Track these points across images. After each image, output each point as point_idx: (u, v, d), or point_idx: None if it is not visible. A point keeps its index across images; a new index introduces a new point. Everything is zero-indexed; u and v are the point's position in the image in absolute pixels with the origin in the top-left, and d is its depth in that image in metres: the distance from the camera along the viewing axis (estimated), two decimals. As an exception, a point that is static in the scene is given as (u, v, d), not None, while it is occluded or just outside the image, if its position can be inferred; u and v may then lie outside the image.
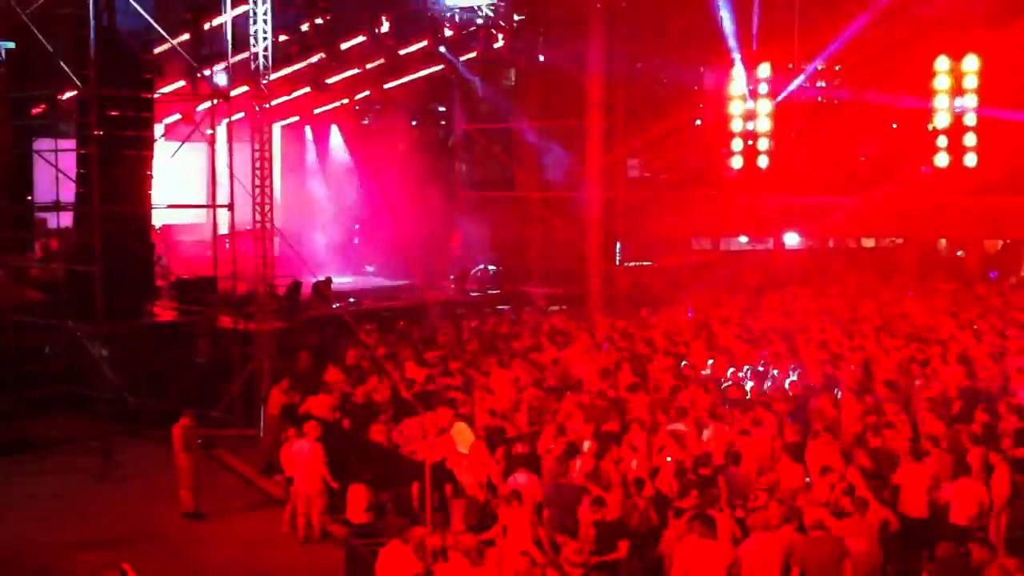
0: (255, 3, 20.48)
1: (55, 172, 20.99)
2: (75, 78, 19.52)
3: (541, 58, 30.80)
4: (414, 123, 34.40)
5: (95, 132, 19.40)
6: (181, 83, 23.94)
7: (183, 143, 22.11)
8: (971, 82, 29.44)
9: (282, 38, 23.52)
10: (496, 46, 29.39)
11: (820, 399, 15.77)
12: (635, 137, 32.40)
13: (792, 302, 27.25)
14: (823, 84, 34.92)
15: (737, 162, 32.07)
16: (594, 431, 14.21)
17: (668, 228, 33.41)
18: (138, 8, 19.97)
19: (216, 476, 17.20)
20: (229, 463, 18.20)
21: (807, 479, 12.44)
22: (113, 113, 19.79)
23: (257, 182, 20.66)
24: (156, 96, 21.24)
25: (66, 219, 22.93)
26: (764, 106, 31.49)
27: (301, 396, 17.50)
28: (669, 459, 12.92)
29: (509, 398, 16.76)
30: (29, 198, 21.72)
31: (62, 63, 19.59)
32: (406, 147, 32.86)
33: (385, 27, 26.45)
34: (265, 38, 20.58)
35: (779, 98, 31.74)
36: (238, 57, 22.16)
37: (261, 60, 20.63)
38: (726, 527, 10.82)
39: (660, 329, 22.94)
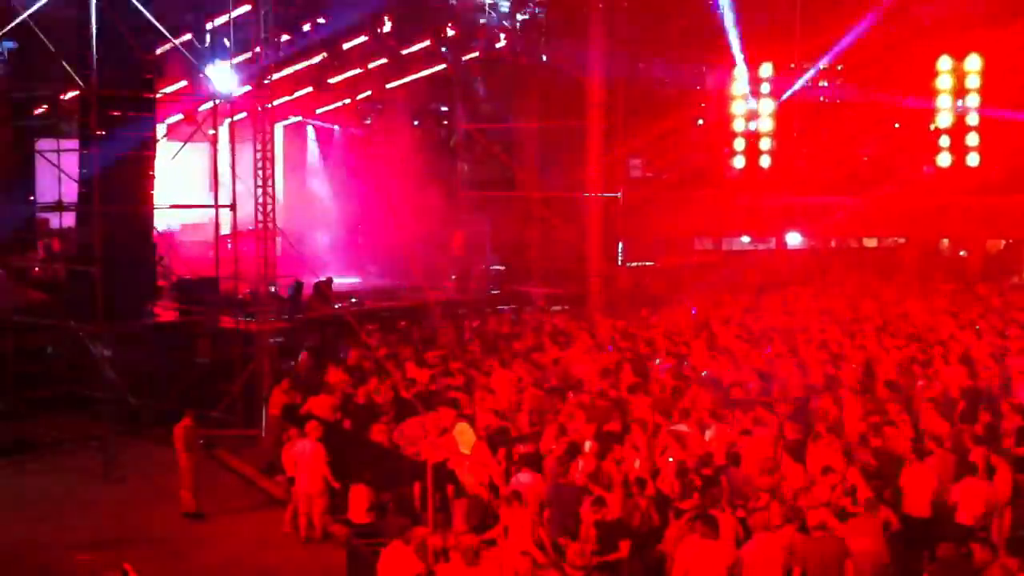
0: (257, 3, 20.50)
1: (57, 172, 21.00)
2: (77, 78, 19.51)
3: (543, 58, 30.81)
4: (416, 123, 34.39)
5: (97, 132, 19.41)
6: (183, 83, 23.95)
7: (185, 143, 22.12)
8: (973, 82, 29.46)
9: (284, 38, 23.53)
10: (498, 46, 29.41)
11: (822, 399, 15.76)
12: (636, 137, 32.41)
13: (793, 302, 27.25)
14: (825, 84, 34.91)
15: (739, 162, 32.10)
16: (596, 431, 14.20)
17: (670, 228, 33.42)
18: (140, 8, 19.97)
19: (217, 476, 17.20)
20: (230, 463, 18.20)
21: (809, 479, 12.41)
22: (115, 113, 19.78)
23: (259, 182, 20.67)
24: (158, 96, 21.24)
25: (68, 219, 22.95)
26: (766, 106, 31.51)
27: (302, 396, 17.51)
28: (671, 460, 12.92)
29: (510, 398, 16.75)
30: (31, 198, 21.72)
31: (64, 63, 19.59)
32: (407, 147, 32.83)
33: (387, 27, 26.44)
34: (267, 38, 20.60)
35: (781, 98, 31.74)
36: (240, 57, 22.21)
37: (263, 60, 20.65)
38: (728, 527, 10.81)
39: (661, 329, 22.94)
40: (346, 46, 26.63)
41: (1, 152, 21.43)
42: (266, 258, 20.68)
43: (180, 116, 25.80)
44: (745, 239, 38.03)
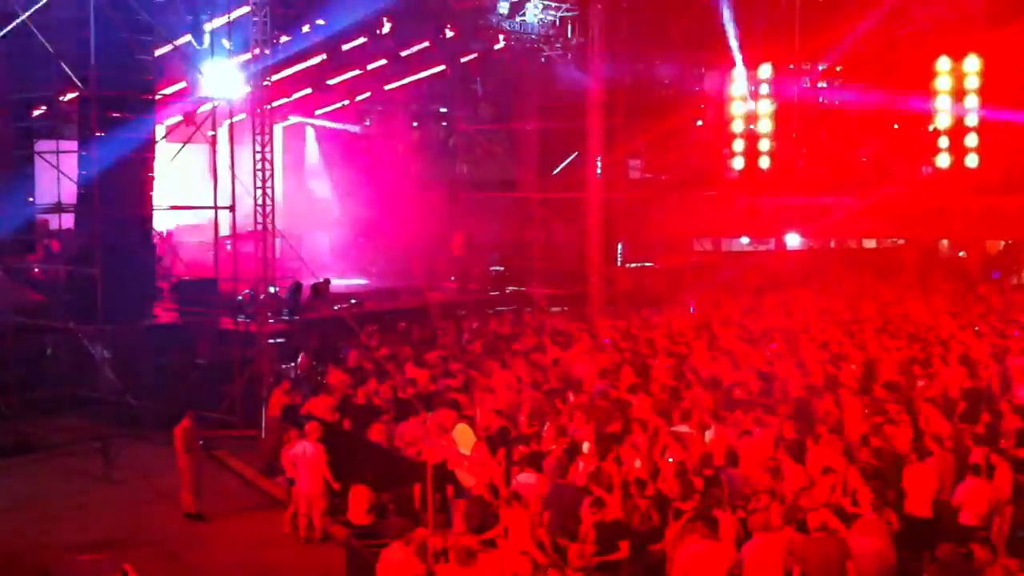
0: (256, 4, 20.51)
1: (56, 173, 21.00)
2: (76, 79, 19.53)
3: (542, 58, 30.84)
4: (415, 124, 34.41)
5: (96, 133, 19.42)
6: (182, 84, 23.95)
7: (184, 144, 22.12)
8: (972, 83, 29.46)
9: (283, 39, 23.54)
10: (497, 47, 29.43)
11: (822, 400, 15.76)
12: (636, 138, 32.43)
13: (793, 303, 27.26)
14: (824, 85, 34.94)
15: (738, 163, 32.12)
16: (596, 432, 14.21)
17: (669, 229, 33.44)
18: (139, 9, 19.98)
19: (217, 477, 17.18)
20: (230, 464, 18.18)
21: (809, 480, 12.41)
22: (114, 114, 19.79)
23: (258, 183, 20.68)
24: (157, 97, 21.25)
25: (68, 221, 22.94)
26: (765, 107, 31.52)
27: (302, 397, 17.52)
28: (671, 460, 12.92)
29: (509, 399, 16.75)
30: (30, 199, 21.70)
31: (63, 64, 19.61)
32: (407, 148, 32.88)
33: (386, 28, 26.45)
34: (266, 39, 20.60)
35: (781, 99, 31.76)
36: (239, 58, 22.22)
37: (262, 61, 20.66)
38: (729, 528, 10.81)
39: (661, 330, 22.95)
40: (345, 47, 26.63)
41: (0, 153, 21.40)
42: (265, 259, 20.68)
43: (179, 117, 25.82)
44: (744, 240, 38.06)
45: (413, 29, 27.53)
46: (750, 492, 11.95)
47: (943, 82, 29.83)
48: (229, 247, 22.38)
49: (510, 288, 30.16)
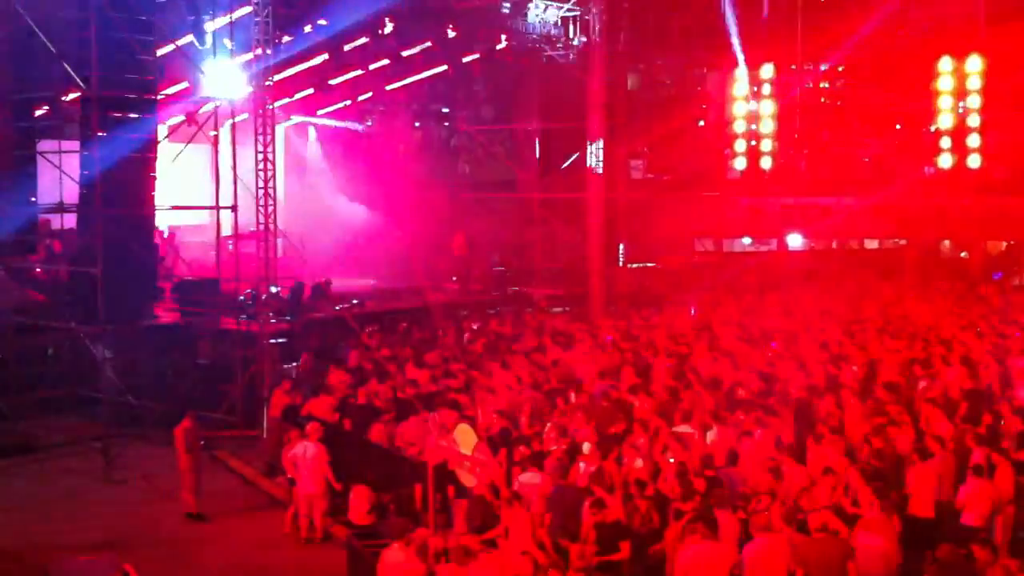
0: (258, 4, 20.51)
1: (58, 173, 21.00)
2: (78, 79, 19.53)
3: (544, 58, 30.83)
4: (417, 124, 34.40)
5: (98, 133, 19.42)
6: (184, 84, 23.94)
7: (186, 144, 22.12)
8: (974, 83, 29.44)
9: (285, 39, 23.53)
10: (499, 47, 29.42)
11: (823, 400, 15.75)
12: (638, 138, 32.42)
13: (794, 303, 27.25)
14: (826, 85, 34.92)
15: (740, 163, 32.09)
16: (597, 432, 14.20)
17: (671, 229, 33.43)
18: (141, 9, 19.98)
19: (218, 477, 17.19)
20: (231, 464, 18.20)
21: (810, 480, 12.40)
22: (116, 114, 19.79)
23: (260, 183, 20.67)
24: (159, 97, 21.25)
25: (69, 221, 22.93)
26: (767, 107, 31.49)
27: (303, 398, 17.52)
28: (672, 460, 12.92)
29: (510, 399, 16.75)
30: (32, 199, 21.70)
31: (65, 64, 19.61)
32: (408, 148, 32.86)
33: (388, 28, 26.45)
34: (268, 39, 20.60)
35: (782, 100, 31.74)
36: (241, 58, 22.22)
37: (264, 61, 20.65)
38: (730, 529, 10.81)
39: (662, 330, 22.94)
40: (347, 47, 26.62)
41: (2, 153, 21.40)
42: (267, 259, 20.68)
43: (181, 117, 25.81)
44: (746, 240, 38.04)
45: (415, 29, 27.51)
46: (751, 493, 11.94)
47: (945, 82, 29.80)
48: (231, 247, 22.37)
49: (511, 288, 30.15)
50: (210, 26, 22.35)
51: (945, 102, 29.86)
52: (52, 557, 12.58)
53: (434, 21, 27.67)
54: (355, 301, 25.40)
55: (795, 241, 35.82)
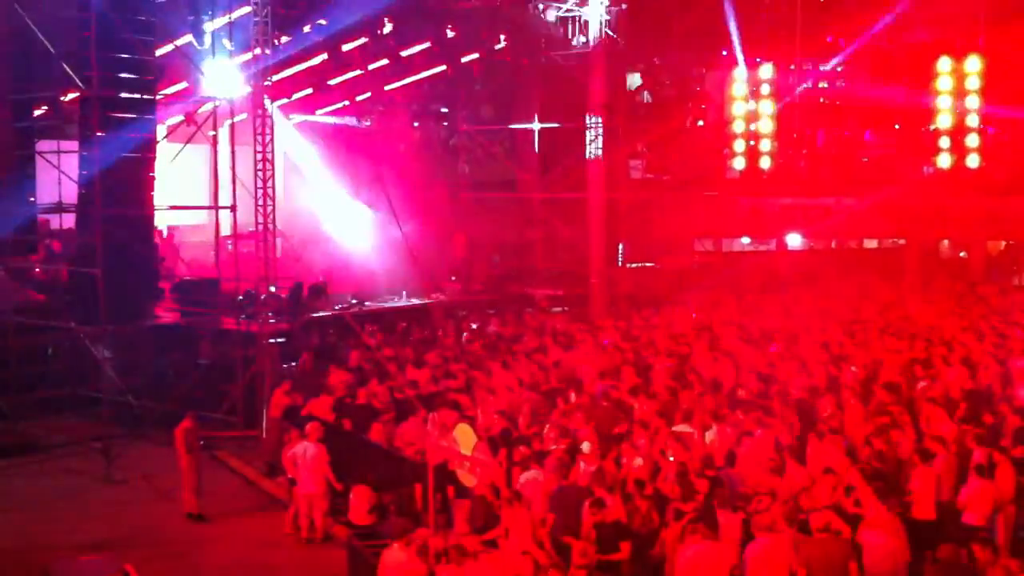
0: (257, 4, 20.50)
1: (58, 173, 21.00)
2: (77, 79, 19.54)
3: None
4: (416, 124, 34.38)
5: (97, 133, 19.42)
6: (183, 84, 23.94)
7: (185, 144, 22.12)
8: (974, 83, 29.43)
9: (284, 39, 23.52)
10: (498, 47, 29.42)
11: (823, 400, 15.75)
12: (638, 138, 32.41)
13: (794, 303, 27.26)
14: (825, 85, 34.91)
15: (739, 163, 32.06)
16: (598, 432, 14.20)
17: (670, 229, 33.41)
18: (140, 9, 19.98)
19: (218, 478, 17.19)
20: (231, 465, 18.20)
21: (810, 480, 12.40)
22: (115, 114, 19.79)
23: (259, 184, 20.67)
24: (158, 97, 21.25)
25: (69, 221, 22.93)
26: (766, 107, 31.47)
27: (303, 398, 17.51)
28: (672, 458, 12.92)
29: (509, 400, 16.75)
30: (31, 199, 21.72)
31: (64, 64, 19.61)
32: (408, 148, 32.83)
33: (387, 28, 26.44)
34: (267, 39, 20.59)
35: (782, 100, 31.73)
36: (240, 58, 22.20)
37: (263, 61, 20.65)
38: (731, 529, 10.80)
39: (662, 330, 22.94)
40: (346, 47, 26.60)
41: (1, 153, 21.40)
42: (266, 259, 20.67)
43: (180, 117, 25.82)
44: (745, 240, 38.03)
45: (414, 29, 27.51)
46: (751, 493, 11.94)
47: (944, 82, 29.79)
48: (230, 247, 22.36)
49: (511, 289, 30.14)
50: (209, 26, 22.34)
51: (944, 102, 29.83)
52: (52, 557, 12.57)
53: (433, 21, 27.67)
54: (353, 300, 25.39)
55: (794, 241, 35.82)
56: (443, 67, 29.80)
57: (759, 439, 13.60)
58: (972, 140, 29.58)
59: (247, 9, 20.93)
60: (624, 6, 28.70)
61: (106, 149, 19.44)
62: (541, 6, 28.71)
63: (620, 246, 31.88)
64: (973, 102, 29.47)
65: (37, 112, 22.45)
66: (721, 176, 33.47)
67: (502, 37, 29.19)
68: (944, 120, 29.91)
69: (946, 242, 37.57)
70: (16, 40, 20.51)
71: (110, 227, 19.45)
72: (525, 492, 12.24)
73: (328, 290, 25.30)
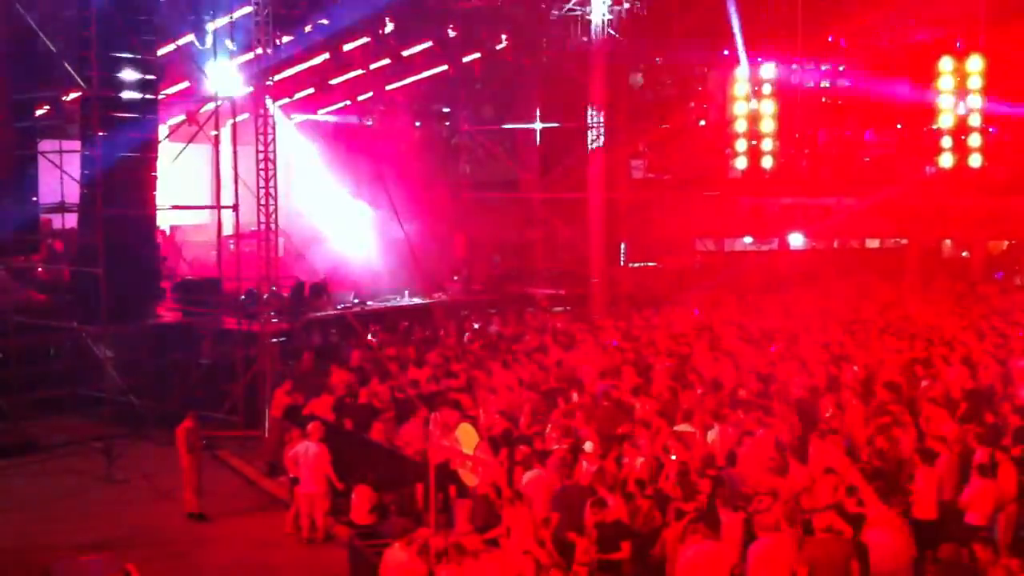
0: (259, 4, 20.51)
1: (60, 173, 21.03)
2: (79, 79, 19.55)
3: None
4: (417, 124, 34.38)
5: (99, 133, 19.44)
6: (185, 84, 23.96)
7: (187, 144, 22.14)
8: (975, 82, 29.43)
9: (286, 39, 23.53)
10: (499, 47, 29.42)
11: (824, 400, 15.75)
12: (639, 138, 32.40)
13: (795, 303, 27.25)
14: (827, 84, 34.90)
15: (741, 163, 32.06)
16: (600, 433, 14.20)
17: (672, 229, 33.39)
18: (141, 9, 20.00)
19: (220, 477, 17.20)
20: (232, 464, 18.21)
21: (811, 480, 12.39)
22: (117, 114, 19.81)
23: (261, 183, 20.68)
24: (160, 97, 21.26)
25: (71, 220, 22.95)
26: (768, 107, 31.47)
27: (305, 397, 17.52)
28: (674, 457, 12.92)
29: (510, 399, 16.75)
30: (34, 199, 21.75)
31: (66, 64, 19.63)
32: (409, 148, 32.82)
33: (388, 28, 26.44)
34: (268, 39, 20.60)
35: (783, 99, 31.72)
36: (242, 58, 22.21)
37: (264, 61, 20.65)
38: (732, 529, 10.80)
39: (663, 330, 22.94)
40: (348, 47, 26.61)
41: (3, 153, 21.43)
42: (268, 259, 20.68)
43: (182, 117, 25.85)
44: (747, 240, 38.02)
45: (415, 29, 27.52)
46: (751, 492, 11.94)
47: (946, 82, 29.78)
48: (232, 247, 22.37)
49: (512, 289, 30.14)
50: (211, 26, 22.35)
51: (946, 101, 29.83)
52: (54, 557, 12.58)
53: (435, 21, 27.67)
54: (355, 300, 25.41)
55: (796, 241, 35.81)
56: (444, 67, 29.81)
57: (760, 439, 13.59)
58: (974, 140, 29.57)
59: (248, 9, 20.93)
60: (626, 5, 28.68)
61: (108, 149, 19.47)
62: (543, 5, 28.71)
63: (621, 246, 31.89)
64: (975, 101, 29.46)
65: (39, 112, 22.49)
66: (723, 176, 33.46)
67: (503, 37, 29.20)
68: (946, 120, 29.90)
69: (948, 242, 37.54)
70: (18, 40, 20.53)
71: (112, 227, 19.47)
72: (527, 491, 12.24)
73: (329, 290, 25.29)
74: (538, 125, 31.86)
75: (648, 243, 33.43)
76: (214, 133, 21.88)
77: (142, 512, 15.73)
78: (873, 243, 39.05)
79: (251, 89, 21.57)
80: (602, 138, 28.75)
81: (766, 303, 27.37)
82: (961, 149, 29.82)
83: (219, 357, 21.15)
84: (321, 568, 13.59)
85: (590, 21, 28.14)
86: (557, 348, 21.11)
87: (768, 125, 31.59)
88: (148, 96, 20.51)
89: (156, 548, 14.14)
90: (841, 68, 33.80)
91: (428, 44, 28.14)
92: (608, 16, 28.24)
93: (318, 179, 32.23)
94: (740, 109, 31.86)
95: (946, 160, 29.99)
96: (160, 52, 21.28)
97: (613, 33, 28.49)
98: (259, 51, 20.79)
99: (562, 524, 11.70)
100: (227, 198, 21.19)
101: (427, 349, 21.36)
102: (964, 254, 37.02)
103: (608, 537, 11.04)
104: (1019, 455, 13.08)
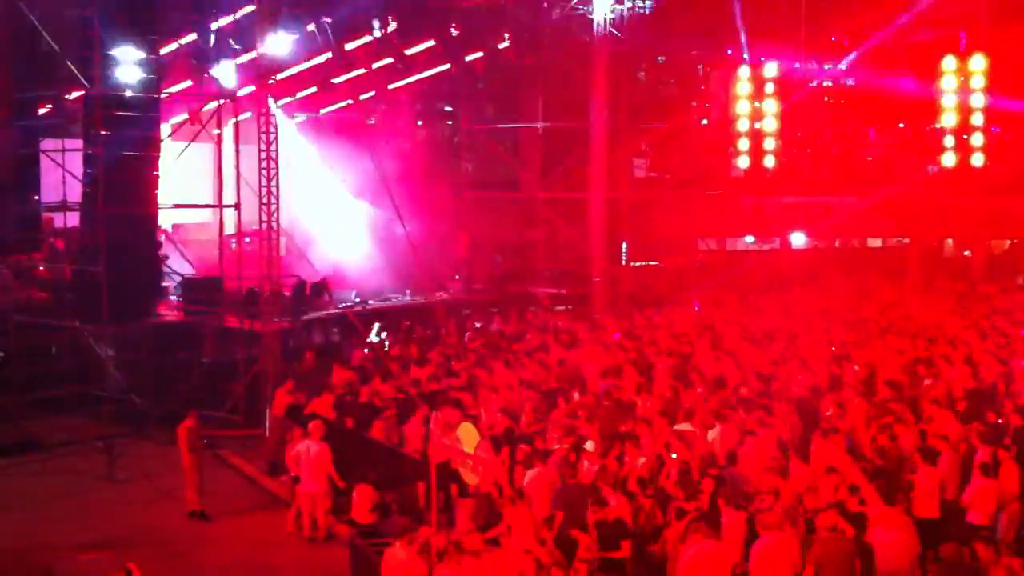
0: (261, 3, 20.52)
1: (62, 172, 21.05)
2: (81, 78, 19.57)
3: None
4: (420, 123, 34.38)
5: (101, 132, 19.44)
6: (187, 83, 23.97)
7: (189, 143, 22.15)
8: (978, 82, 29.38)
9: (288, 38, 23.54)
10: (502, 46, 29.41)
11: (825, 399, 15.74)
12: (640, 137, 32.39)
13: (797, 302, 27.23)
14: (830, 83, 34.88)
15: (743, 162, 31.98)
16: (601, 432, 14.19)
17: (674, 228, 33.37)
18: (144, 8, 20.01)
19: (221, 476, 17.21)
20: (234, 463, 18.21)
21: (814, 479, 12.38)
22: (119, 113, 19.82)
23: (263, 182, 20.69)
24: (162, 96, 21.27)
25: (72, 219, 22.98)
26: (770, 106, 31.42)
27: (306, 396, 17.52)
28: (675, 456, 12.91)
29: (512, 398, 16.74)
30: (36, 198, 21.78)
31: (68, 63, 19.64)
32: (411, 147, 32.81)
33: (391, 27, 26.45)
34: (271, 38, 20.61)
35: (785, 98, 31.69)
36: (244, 57, 22.22)
37: (267, 60, 20.67)
38: (734, 528, 10.79)
39: (664, 330, 22.93)
40: (350, 46, 26.61)
41: (5, 152, 21.47)
42: (270, 258, 20.69)
43: (184, 116, 25.86)
44: (749, 239, 37.98)
45: (418, 28, 27.52)
46: (753, 492, 11.93)
47: (949, 81, 29.73)
48: (234, 246, 22.38)
49: (513, 288, 30.13)
50: (214, 25, 22.36)
51: (949, 100, 29.78)
52: (55, 556, 12.61)
53: (437, 20, 27.67)
54: (357, 299, 25.40)
55: (798, 240, 35.77)
56: (447, 66, 29.81)
57: (761, 438, 13.58)
58: (976, 139, 29.51)
59: (251, 8, 20.94)
60: (628, 4, 28.67)
61: (110, 148, 19.49)
62: (545, 4, 28.70)
63: (623, 245, 31.87)
64: (978, 101, 29.40)
65: (41, 111, 22.53)
66: (725, 175, 33.41)
67: (506, 36, 29.18)
68: (948, 119, 29.84)
69: (950, 241, 37.51)
70: (20, 39, 20.56)
71: (114, 226, 19.49)
72: (528, 490, 12.23)
73: (331, 288, 25.29)
74: (540, 124, 31.83)
75: (650, 242, 33.41)
76: (216, 132, 21.90)
77: (143, 511, 15.74)
78: (875, 242, 39.03)
79: (253, 88, 21.57)
80: (604, 137, 28.72)
81: (768, 302, 27.36)
82: (964, 148, 29.75)
83: (220, 356, 21.14)
84: (322, 567, 13.60)
85: (592, 20, 28.11)
86: (559, 347, 21.09)
87: (770, 124, 31.51)
88: (150, 95, 20.53)
89: (157, 547, 14.14)
90: (843, 67, 33.77)
91: (431, 43, 28.14)
92: (610, 15, 28.22)
93: (320, 178, 32.26)
94: (742, 108, 31.77)
95: (948, 159, 29.93)
96: (163, 51, 21.30)
97: (615, 32, 28.47)
98: (261, 50, 20.78)
99: (564, 523, 11.70)
100: (229, 197, 21.19)
101: (428, 348, 21.35)
102: (966, 253, 36.98)
103: (609, 536, 11.04)
104: (1017, 455, 13.09)
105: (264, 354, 20.02)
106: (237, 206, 21.22)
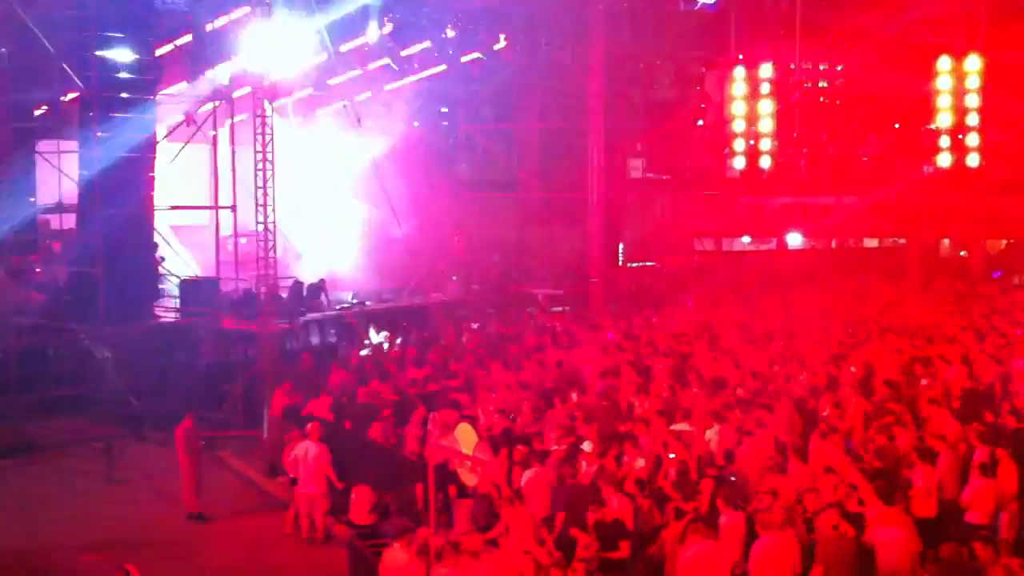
0: (257, 4, 20.50)
1: (58, 173, 21.04)
2: (77, 79, 19.55)
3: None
4: (416, 124, 34.36)
5: (97, 133, 19.43)
6: (183, 84, 23.95)
7: (185, 144, 22.14)
8: (973, 82, 29.46)
9: (285, 39, 23.51)
10: (498, 47, 29.42)
11: (823, 399, 15.75)
12: (637, 138, 32.43)
13: (794, 302, 27.26)
14: (825, 84, 34.95)
15: (739, 162, 32.08)
16: (599, 432, 14.20)
17: (670, 229, 33.44)
18: (140, 9, 20.01)
19: (219, 477, 17.17)
20: (232, 464, 18.19)
21: (812, 479, 12.39)
22: (115, 114, 19.82)
23: (259, 184, 20.67)
24: (158, 97, 21.25)
25: (69, 221, 22.96)
26: (766, 106, 31.48)
27: (304, 397, 17.51)
28: (673, 456, 12.91)
29: (509, 398, 16.75)
30: (32, 200, 21.76)
31: (64, 64, 19.62)
32: (408, 148, 32.80)
33: (387, 28, 26.44)
34: (266, 39, 20.58)
35: (781, 99, 31.75)
36: (240, 58, 22.20)
37: (263, 61, 20.64)
38: (733, 528, 10.79)
39: (662, 330, 22.94)
40: (345, 47, 26.59)
41: (1, 153, 21.45)
42: (266, 259, 20.67)
43: (180, 117, 25.85)
44: (746, 239, 38.04)
45: (414, 29, 27.51)
46: (751, 492, 11.94)
47: (944, 81, 29.81)
48: (231, 247, 22.37)
49: (511, 288, 30.15)
50: (209, 26, 22.35)
51: (944, 101, 29.86)
52: (54, 557, 12.58)
53: (433, 21, 27.66)
54: (354, 300, 25.39)
55: (795, 240, 35.83)
56: (443, 67, 29.81)
57: (759, 438, 13.59)
58: (972, 139, 29.61)
59: (246, 9, 20.92)
60: (625, 5, 28.72)
61: (106, 149, 19.49)
62: (541, 5, 28.73)
63: (620, 245, 31.90)
64: (973, 101, 29.49)
65: (37, 112, 22.49)
66: (721, 175, 33.49)
67: (502, 37, 29.18)
68: (944, 119, 29.94)
69: (946, 241, 37.58)
70: (16, 40, 20.54)
71: (110, 227, 19.47)
72: (526, 491, 12.23)
73: (328, 290, 25.29)
74: (537, 125, 31.86)
75: (647, 243, 33.46)
76: (212, 133, 21.88)
77: (142, 512, 15.71)
78: (872, 242, 39.11)
79: (249, 89, 21.56)
80: (601, 138, 28.75)
81: (765, 302, 27.38)
82: (959, 148, 29.85)
83: (218, 357, 21.13)
84: (321, 568, 13.58)
85: (589, 21, 28.14)
86: (556, 348, 21.10)
87: (766, 125, 31.60)
88: (146, 96, 20.51)
89: (156, 548, 14.11)
90: (839, 68, 33.84)
91: (427, 44, 28.13)
92: (607, 16, 28.24)
93: (316, 179, 32.27)
94: (738, 109, 31.87)
95: (944, 159, 30.03)
96: (158, 52, 21.28)
97: (612, 33, 28.49)
98: (257, 52, 20.76)
99: (563, 523, 11.70)
100: (225, 198, 21.17)
101: (426, 349, 21.35)
102: (962, 253, 37.06)
103: (607, 536, 11.04)
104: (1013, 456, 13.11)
105: (262, 355, 20.00)
106: (233, 207, 21.20)
